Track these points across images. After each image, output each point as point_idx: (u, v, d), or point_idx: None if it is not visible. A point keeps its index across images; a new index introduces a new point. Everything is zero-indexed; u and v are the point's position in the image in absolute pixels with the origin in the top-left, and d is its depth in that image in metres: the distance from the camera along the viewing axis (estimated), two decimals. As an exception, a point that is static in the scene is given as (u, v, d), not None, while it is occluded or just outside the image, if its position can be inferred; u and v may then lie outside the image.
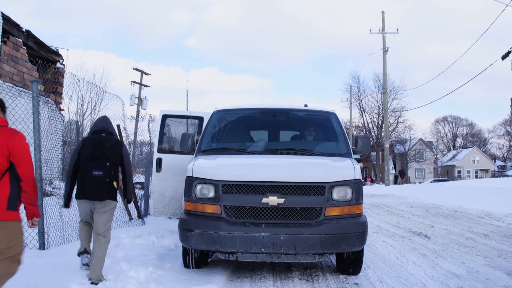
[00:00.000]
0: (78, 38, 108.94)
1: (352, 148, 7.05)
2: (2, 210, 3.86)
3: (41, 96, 8.76)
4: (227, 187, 5.78)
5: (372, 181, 63.22)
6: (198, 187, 5.90)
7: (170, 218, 9.67)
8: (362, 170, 63.94)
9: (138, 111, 36.27)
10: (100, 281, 5.39)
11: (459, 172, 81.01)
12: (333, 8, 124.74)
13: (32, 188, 4.05)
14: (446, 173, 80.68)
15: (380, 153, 63.21)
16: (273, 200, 5.63)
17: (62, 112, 12.83)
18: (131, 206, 10.13)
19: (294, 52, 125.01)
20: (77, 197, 5.68)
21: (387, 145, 40.17)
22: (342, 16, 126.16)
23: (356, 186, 5.90)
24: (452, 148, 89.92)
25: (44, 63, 9.41)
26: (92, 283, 5.33)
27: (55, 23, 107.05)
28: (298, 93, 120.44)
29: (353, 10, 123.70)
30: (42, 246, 6.82)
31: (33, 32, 11.98)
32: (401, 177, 57.71)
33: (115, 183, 5.66)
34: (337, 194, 5.81)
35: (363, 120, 67.17)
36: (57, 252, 6.78)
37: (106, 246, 5.63)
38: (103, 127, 5.94)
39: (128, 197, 6.16)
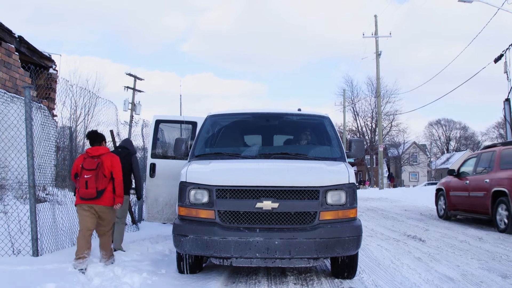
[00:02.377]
0: (73, 44, 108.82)
1: (346, 152, 7.05)
2: (111, 199, 6.75)
3: (34, 102, 8.72)
4: (221, 192, 5.77)
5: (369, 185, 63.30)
6: (192, 192, 5.89)
7: (164, 223, 9.65)
8: (356, 174, 64.01)
9: (131, 117, 36.29)
10: (121, 250, 7.80)
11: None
12: (327, 13, 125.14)
13: (121, 188, 6.83)
14: (440, 176, 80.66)
15: (374, 157, 63.30)
16: (267, 204, 5.62)
17: (55, 118, 12.75)
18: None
19: (288, 57, 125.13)
20: None
21: (381, 149, 40.29)
22: (336, 21, 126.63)
23: (350, 190, 5.90)
24: (445, 151, 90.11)
25: (36, 69, 9.36)
26: (115, 249, 7.66)
27: (51, 29, 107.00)
28: (293, 97, 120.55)
29: (347, 15, 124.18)
30: (35, 253, 6.77)
31: (27, 38, 11.94)
32: (391, 181, 57.78)
33: None
34: (331, 198, 5.81)
35: (357, 124, 67.22)
36: (51, 259, 6.73)
37: (123, 227, 8.18)
38: (122, 145, 8.44)
39: (138, 195, 8.59)
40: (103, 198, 6.60)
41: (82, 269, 6.23)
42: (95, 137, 7.03)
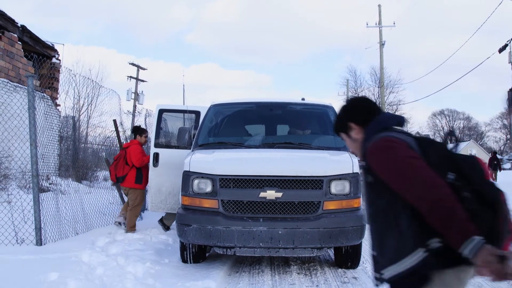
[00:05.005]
0: (79, 35, 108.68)
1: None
2: (132, 182, 8.31)
3: (37, 92, 8.71)
4: (224, 182, 5.75)
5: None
6: (196, 181, 5.87)
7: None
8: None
9: (134, 106, 36.24)
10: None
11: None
12: (331, 3, 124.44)
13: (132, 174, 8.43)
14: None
15: (377, 147, 63.01)
16: (270, 194, 5.61)
17: (58, 107, 12.74)
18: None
19: (292, 47, 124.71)
20: None
21: (384, 139, 40.17)
22: (340, 11, 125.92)
23: (354, 179, 5.87)
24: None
25: (39, 58, 9.35)
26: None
27: (57, 20, 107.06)
28: (296, 88, 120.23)
29: (351, 5, 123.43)
30: (39, 242, 6.78)
31: (30, 28, 11.90)
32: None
33: None
34: (335, 188, 5.79)
35: (360, 114, 67.03)
36: (54, 248, 6.74)
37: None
38: None
39: None
40: (125, 182, 8.35)
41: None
42: (133, 131, 8.98)
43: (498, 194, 2.09)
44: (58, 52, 13.74)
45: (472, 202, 2.03)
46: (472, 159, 2.21)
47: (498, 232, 2.02)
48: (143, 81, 41.12)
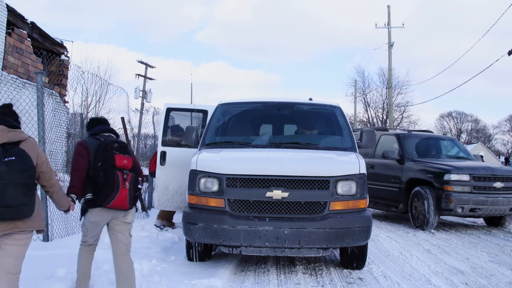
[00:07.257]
0: (91, 32, 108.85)
1: (357, 142, 7.01)
2: None
3: (46, 88, 8.76)
4: (231, 181, 5.76)
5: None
6: (202, 180, 5.88)
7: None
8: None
9: (142, 104, 36.31)
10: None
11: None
12: (340, 3, 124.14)
13: None
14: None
15: (384, 148, 62.78)
16: (277, 194, 5.61)
17: (66, 104, 12.81)
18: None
19: (301, 47, 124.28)
20: None
21: (391, 140, 40.01)
22: (349, 11, 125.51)
23: (361, 180, 5.87)
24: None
25: (48, 55, 9.39)
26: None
27: (70, 17, 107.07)
28: (305, 88, 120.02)
29: (360, 5, 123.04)
30: (46, 238, 6.83)
31: (42, 25, 12.00)
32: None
33: None
34: (342, 188, 5.78)
35: (368, 114, 66.73)
36: (61, 244, 6.78)
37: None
38: None
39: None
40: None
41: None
42: None
43: (114, 175, 4.29)
44: (67, 49, 13.82)
45: (102, 177, 4.31)
46: (109, 156, 4.36)
47: (109, 195, 4.28)
48: (151, 79, 41.21)
